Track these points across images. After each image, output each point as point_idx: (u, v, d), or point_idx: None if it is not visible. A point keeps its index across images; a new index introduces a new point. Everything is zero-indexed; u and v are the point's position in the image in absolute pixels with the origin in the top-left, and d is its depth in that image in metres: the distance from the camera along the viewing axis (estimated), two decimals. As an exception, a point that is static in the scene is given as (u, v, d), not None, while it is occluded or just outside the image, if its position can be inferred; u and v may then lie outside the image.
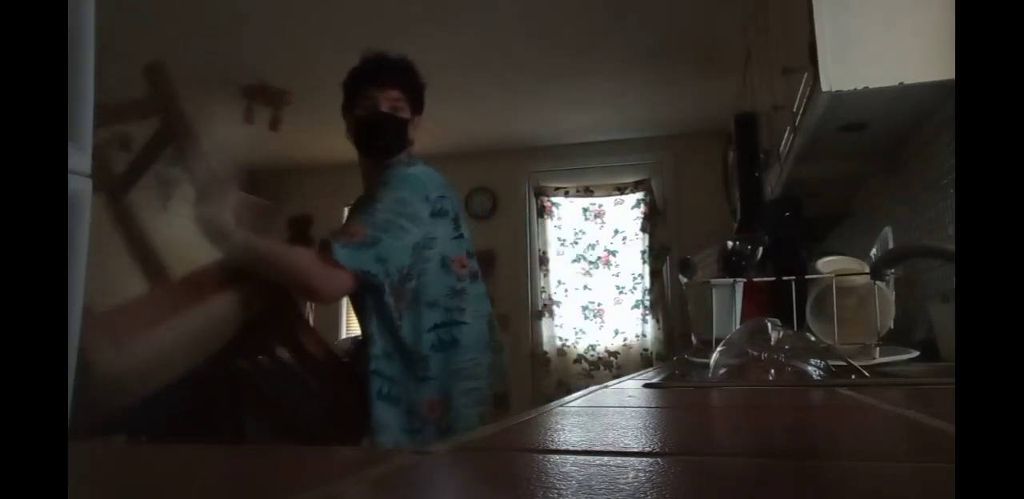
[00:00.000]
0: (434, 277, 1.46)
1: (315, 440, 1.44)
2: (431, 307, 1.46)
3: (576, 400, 0.71)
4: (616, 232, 4.60)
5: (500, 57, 3.33)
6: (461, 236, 1.53)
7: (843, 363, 1.13)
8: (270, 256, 1.38)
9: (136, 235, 1.47)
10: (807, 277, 1.46)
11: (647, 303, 4.43)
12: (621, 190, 4.59)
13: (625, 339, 4.48)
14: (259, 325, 1.38)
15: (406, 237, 1.39)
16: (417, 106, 1.61)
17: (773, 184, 2.31)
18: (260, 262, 1.37)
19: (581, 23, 3.00)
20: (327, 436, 1.46)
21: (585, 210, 4.67)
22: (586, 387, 0.94)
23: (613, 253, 4.59)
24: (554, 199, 4.69)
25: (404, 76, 1.58)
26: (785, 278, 1.47)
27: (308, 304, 1.71)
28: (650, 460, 0.36)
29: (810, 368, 0.97)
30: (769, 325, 1.03)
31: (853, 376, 1.10)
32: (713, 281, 1.52)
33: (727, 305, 1.51)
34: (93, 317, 1.03)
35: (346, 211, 1.54)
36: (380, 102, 1.53)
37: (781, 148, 2.00)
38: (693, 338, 1.72)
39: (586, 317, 4.57)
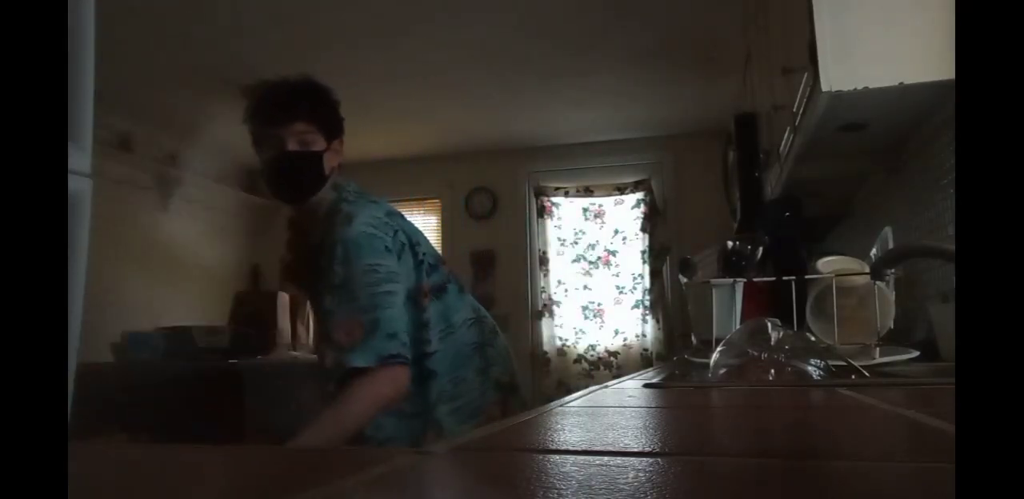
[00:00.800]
0: (408, 315, 1.38)
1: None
2: (409, 345, 1.39)
3: (576, 400, 0.72)
4: (616, 232, 4.60)
5: (500, 57, 3.33)
6: (422, 262, 1.42)
7: (843, 363, 1.13)
8: (337, 429, 1.25)
9: None
10: (807, 277, 1.46)
11: (647, 303, 4.43)
12: (621, 190, 4.59)
13: (625, 339, 4.47)
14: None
15: (395, 299, 1.31)
16: (332, 131, 1.45)
17: (773, 184, 2.31)
18: (344, 435, 1.26)
19: (581, 23, 2.99)
20: None
21: (585, 210, 4.67)
22: (586, 387, 0.94)
23: (613, 253, 4.59)
24: (554, 199, 4.69)
25: (308, 103, 1.43)
26: (785, 278, 1.47)
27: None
28: (650, 460, 0.36)
29: (810, 368, 0.97)
30: (769, 325, 1.03)
31: (853, 376, 1.10)
32: (713, 281, 1.51)
33: (727, 305, 1.51)
34: None
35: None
36: (286, 140, 1.39)
37: (781, 148, 2.00)
38: (693, 338, 1.72)
39: (586, 317, 4.57)
